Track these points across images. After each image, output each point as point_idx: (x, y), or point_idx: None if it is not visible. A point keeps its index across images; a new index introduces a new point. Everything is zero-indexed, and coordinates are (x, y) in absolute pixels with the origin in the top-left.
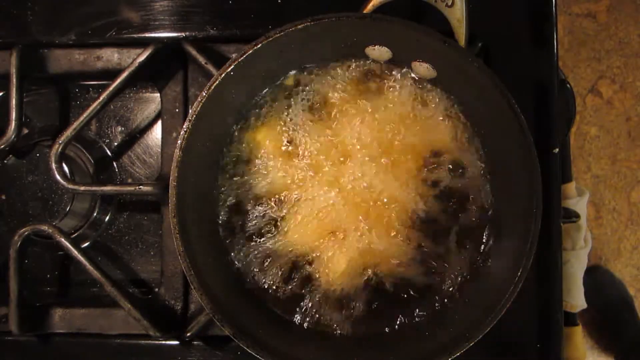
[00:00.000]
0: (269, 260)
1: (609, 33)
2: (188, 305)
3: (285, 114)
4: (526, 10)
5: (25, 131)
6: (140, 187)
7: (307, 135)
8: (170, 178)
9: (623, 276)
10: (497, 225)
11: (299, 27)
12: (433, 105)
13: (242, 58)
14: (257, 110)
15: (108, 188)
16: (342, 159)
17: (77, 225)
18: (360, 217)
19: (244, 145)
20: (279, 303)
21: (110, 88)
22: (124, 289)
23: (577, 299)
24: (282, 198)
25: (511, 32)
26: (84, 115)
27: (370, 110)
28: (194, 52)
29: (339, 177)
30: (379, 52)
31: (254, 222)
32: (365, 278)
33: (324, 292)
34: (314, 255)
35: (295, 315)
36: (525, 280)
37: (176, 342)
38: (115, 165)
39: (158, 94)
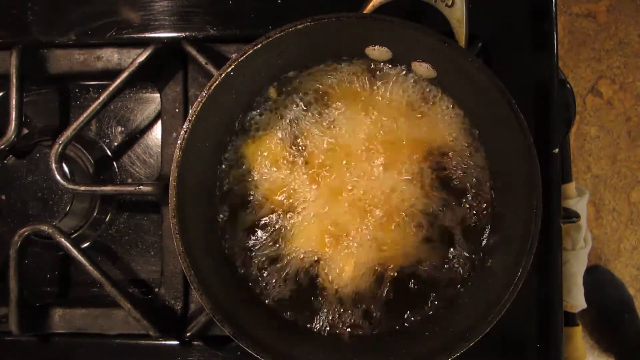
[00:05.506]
0: (269, 260)
1: (609, 33)
2: (188, 305)
3: (285, 114)
4: (526, 10)
5: (25, 131)
6: (140, 187)
7: (307, 136)
8: (170, 178)
9: (623, 276)
10: (497, 225)
11: (299, 27)
12: (433, 105)
13: (242, 58)
14: (257, 112)
15: (108, 188)
16: (342, 159)
17: (77, 225)
18: (362, 218)
19: (244, 146)
20: (280, 303)
21: (110, 88)
22: (124, 289)
23: (577, 299)
24: (283, 199)
25: (511, 32)
26: (84, 115)
27: (370, 110)
28: (194, 52)
29: (340, 178)
30: (379, 52)
31: (254, 222)
32: (367, 280)
33: (324, 293)
34: (317, 256)
35: (295, 316)
36: (525, 280)
37: (176, 342)
38: (115, 165)
39: (158, 94)
